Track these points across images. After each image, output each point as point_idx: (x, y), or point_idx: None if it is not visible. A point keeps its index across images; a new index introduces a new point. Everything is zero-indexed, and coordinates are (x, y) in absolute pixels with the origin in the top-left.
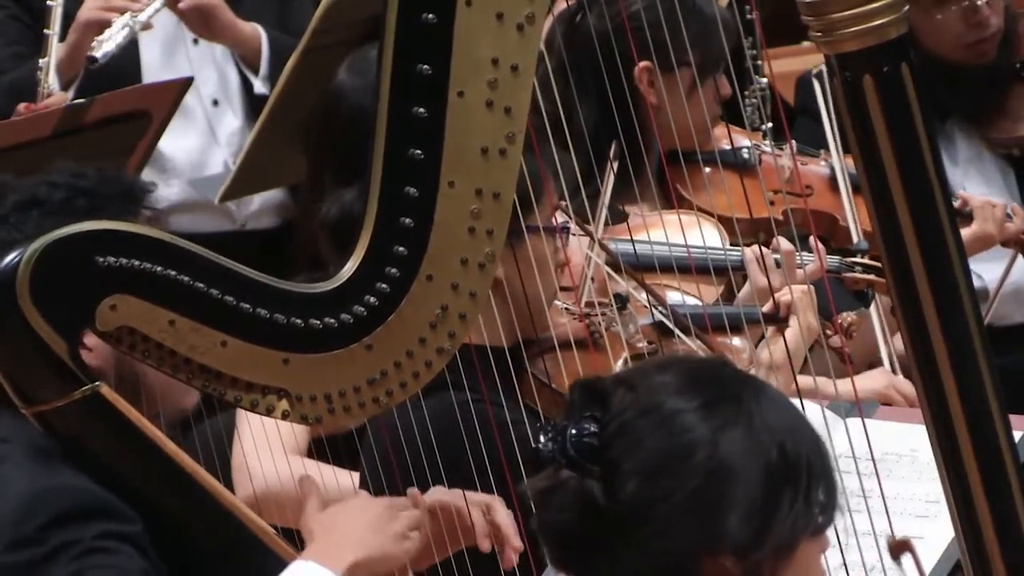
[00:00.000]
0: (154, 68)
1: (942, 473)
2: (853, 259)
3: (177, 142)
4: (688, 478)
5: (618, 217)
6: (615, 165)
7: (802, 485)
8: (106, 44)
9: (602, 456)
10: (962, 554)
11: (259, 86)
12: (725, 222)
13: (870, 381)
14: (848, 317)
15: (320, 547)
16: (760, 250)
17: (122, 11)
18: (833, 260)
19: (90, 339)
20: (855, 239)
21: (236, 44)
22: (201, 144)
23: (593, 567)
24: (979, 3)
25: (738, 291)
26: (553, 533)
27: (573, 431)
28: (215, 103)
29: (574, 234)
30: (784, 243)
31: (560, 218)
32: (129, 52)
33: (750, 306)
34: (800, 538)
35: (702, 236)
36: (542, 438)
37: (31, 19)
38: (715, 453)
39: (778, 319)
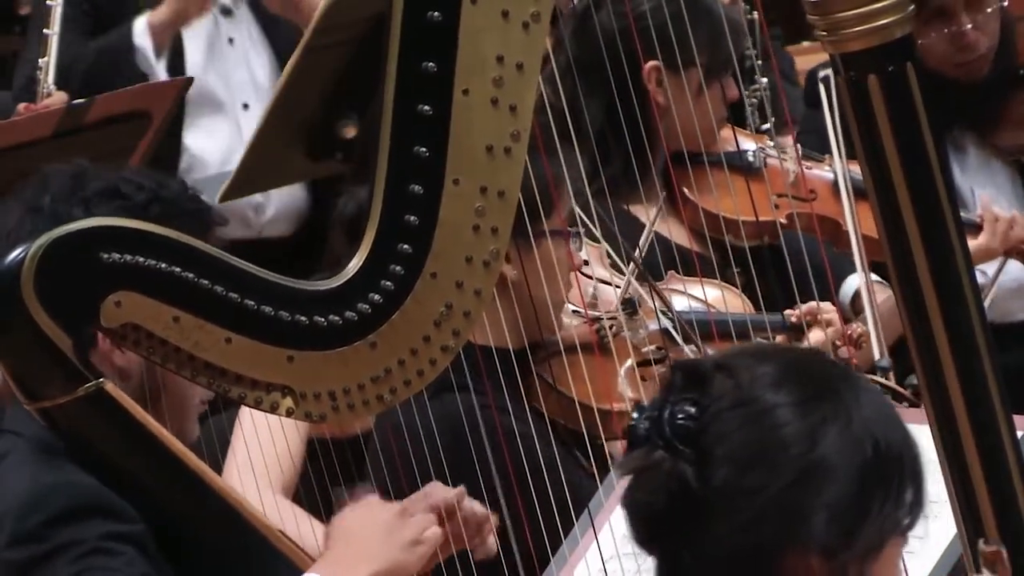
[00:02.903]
0: (198, 69)
1: (944, 471)
2: (873, 376)
3: (208, 141)
4: (781, 473)
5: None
6: (662, 202)
7: (893, 487)
8: None
9: (697, 440)
10: (964, 551)
11: None
12: (730, 224)
13: None
14: (858, 328)
15: (331, 562)
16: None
17: None
18: None
19: None
20: (875, 354)
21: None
22: (230, 145)
23: (677, 551)
24: (965, 28)
25: None
26: (641, 513)
27: (669, 412)
28: (245, 107)
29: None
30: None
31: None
32: (174, 53)
33: (756, 315)
34: (888, 539)
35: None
36: (635, 415)
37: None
38: (811, 450)
39: (793, 328)
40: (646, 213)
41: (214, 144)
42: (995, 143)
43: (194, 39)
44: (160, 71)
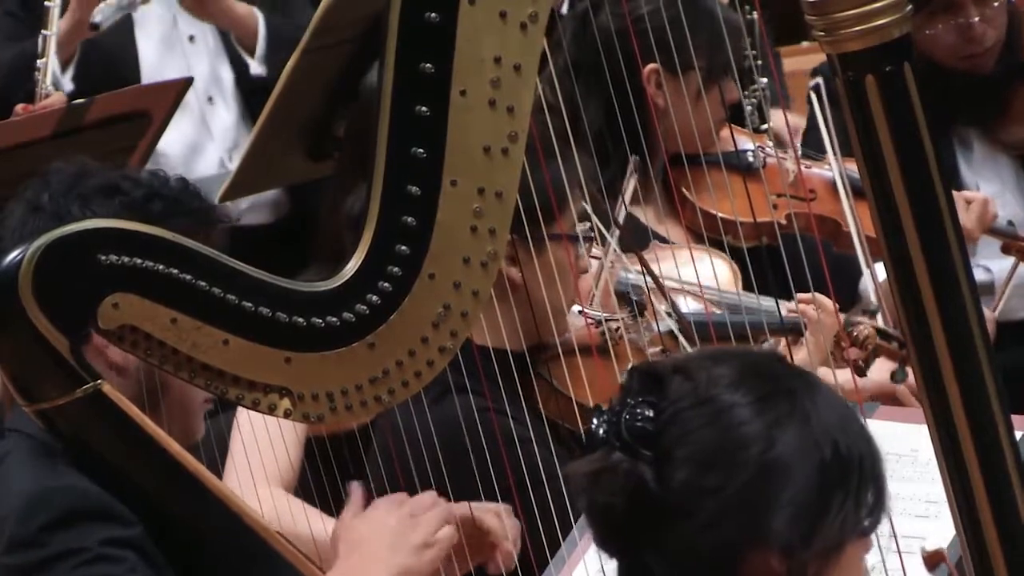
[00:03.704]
0: (152, 64)
1: (943, 470)
2: (858, 318)
3: (172, 136)
4: (740, 472)
5: (641, 241)
6: (633, 177)
7: (852, 487)
8: (105, 9)
9: (655, 442)
10: (962, 552)
11: (255, 67)
12: (728, 225)
13: (876, 371)
14: (864, 330)
15: (341, 572)
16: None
17: None
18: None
19: None
20: (866, 299)
21: (232, 25)
22: (195, 139)
23: (638, 552)
24: (973, 20)
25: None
26: (600, 516)
27: (627, 415)
28: (210, 100)
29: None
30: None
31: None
32: (128, 49)
33: (755, 316)
34: (847, 540)
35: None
36: (594, 420)
37: (26, 13)
38: (769, 449)
39: (792, 329)
40: (643, 214)
41: (178, 138)
42: (1001, 138)
43: (148, 37)
44: (65, 83)
